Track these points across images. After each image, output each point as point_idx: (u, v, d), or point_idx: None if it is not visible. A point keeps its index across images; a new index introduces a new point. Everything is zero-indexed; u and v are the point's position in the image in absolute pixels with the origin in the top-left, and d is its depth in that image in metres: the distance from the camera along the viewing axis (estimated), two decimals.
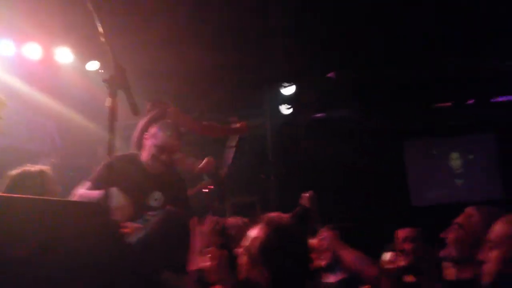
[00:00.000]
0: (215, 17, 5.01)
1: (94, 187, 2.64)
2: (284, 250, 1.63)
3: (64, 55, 5.14)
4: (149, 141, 2.88)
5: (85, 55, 5.21)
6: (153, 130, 2.90)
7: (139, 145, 3.00)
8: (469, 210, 2.03)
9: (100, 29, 1.60)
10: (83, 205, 1.15)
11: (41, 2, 4.27)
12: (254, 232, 1.70)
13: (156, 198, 2.85)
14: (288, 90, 6.22)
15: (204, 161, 3.64)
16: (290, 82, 6.10)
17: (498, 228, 1.65)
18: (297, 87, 6.28)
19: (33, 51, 4.98)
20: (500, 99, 7.36)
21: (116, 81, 1.55)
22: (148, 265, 1.59)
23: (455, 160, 8.28)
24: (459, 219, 2.45)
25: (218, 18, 5.02)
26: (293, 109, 6.65)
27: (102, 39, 1.59)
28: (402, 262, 2.95)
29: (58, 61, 5.18)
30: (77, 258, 1.08)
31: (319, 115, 7.45)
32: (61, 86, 5.49)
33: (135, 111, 1.63)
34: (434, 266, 2.88)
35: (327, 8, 5.21)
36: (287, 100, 6.49)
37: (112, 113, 1.54)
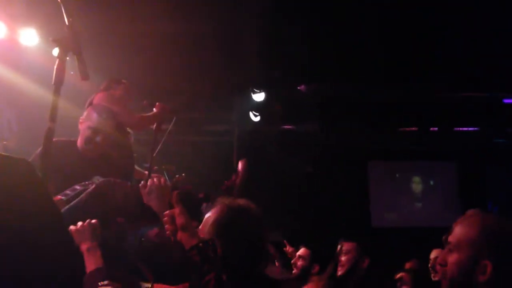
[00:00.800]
0: (190, 17, 4.96)
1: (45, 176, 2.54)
2: (237, 227, 1.63)
3: (30, 36, 4.94)
4: (83, 124, 2.82)
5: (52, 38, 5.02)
6: (87, 112, 2.87)
7: None
8: (471, 213, 1.88)
9: None
10: (7, 159, 1.05)
11: None
12: (210, 213, 1.70)
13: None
14: (259, 96, 6.18)
15: (156, 108, 3.46)
16: (260, 89, 6.07)
17: (457, 230, 1.51)
18: (266, 96, 6.26)
19: None
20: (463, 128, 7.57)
21: (67, 42, 1.46)
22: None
23: (417, 184, 8.42)
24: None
25: (194, 18, 4.97)
26: (262, 118, 6.61)
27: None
28: (339, 272, 3.31)
29: (23, 43, 4.97)
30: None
31: (287, 126, 7.45)
32: (25, 68, 5.28)
33: (84, 76, 1.53)
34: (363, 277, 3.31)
35: (307, 22, 5.25)
36: (257, 107, 6.45)
37: (59, 77, 1.44)
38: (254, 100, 6.25)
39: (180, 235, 1.58)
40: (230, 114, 6.74)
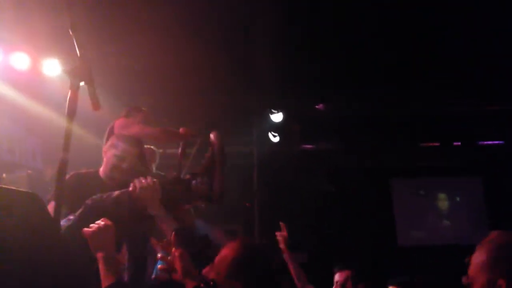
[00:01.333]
0: (206, 40, 5.03)
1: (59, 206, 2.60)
2: (255, 263, 1.66)
3: (52, 66, 5.09)
4: (108, 153, 2.83)
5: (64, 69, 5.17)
6: (112, 141, 2.88)
7: None
8: (491, 235, 1.84)
9: (69, 20, 1.54)
10: (16, 193, 1.07)
11: (31, 12, 4.26)
12: (225, 250, 1.71)
13: None
14: (277, 117, 6.18)
15: (180, 130, 3.49)
16: (278, 109, 6.08)
17: (474, 260, 1.53)
18: (285, 116, 6.26)
19: (21, 60, 4.92)
20: (487, 142, 7.41)
21: (78, 73, 1.49)
22: (72, 256, 1.50)
23: (442, 201, 8.23)
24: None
25: (209, 41, 5.05)
26: (281, 138, 6.60)
27: (70, 30, 1.54)
28: None
29: (46, 73, 5.12)
30: (6, 244, 0.99)
31: (306, 146, 7.41)
32: (49, 97, 5.42)
33: (96, 106, 1.56)
34: None
35: (321, 41, 5.27)
36: (275, 128, 6.45)
37: (71, 107, 1.47)
38: (272, 121, 6.26)
39: (181, 278, 1.61)
40: (249, 136, 6.75)
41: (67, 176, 2.70)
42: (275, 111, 6.08)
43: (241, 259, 1.64)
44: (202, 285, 1.53)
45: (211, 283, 1.53)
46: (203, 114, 6.05)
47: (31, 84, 5.21)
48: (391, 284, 3.02)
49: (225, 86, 5.64)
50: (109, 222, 1.84)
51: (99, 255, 1.78)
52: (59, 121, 5.55)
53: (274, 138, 6.55)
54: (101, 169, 2.85)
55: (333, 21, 4.94)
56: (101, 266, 1.76)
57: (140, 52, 5.07)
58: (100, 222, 1.84)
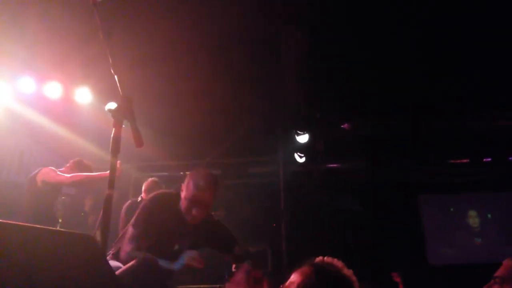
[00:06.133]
0: (234, 63, 5.10)
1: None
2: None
3: (84, 94, 5.24)
4: (182, 193, 2.59)
5: (104, 95, 5.32)
6: (187, 180, 2.59)
7: None
8: (508, 262, 1.78)
9: (110, 60, 1.61)
10: (73, 236, 1.12)
11: (63, 42, 4.41)
12: (295, 274, 1.65)
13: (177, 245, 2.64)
14: (302, 138, 6.20)
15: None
16: (304, 130, 6.10)
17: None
18: (311, 136, 6.26)
19: (53, 89, 5.09)
20: None
21: (121, 111, 1.55)
22: None
23: (473, 218, 8.03)
24: (499, 273, 2.30)
25: (236, 64, 5.12)
26: (307, 158, 6.60)
27: (112, 70, 1.61)
28: None
29: (78, 101, 5.27)
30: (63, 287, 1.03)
31: (332, 165, 7.38)
32: (80, 125, 5.57)
33: (139, 143, 1.61)
34: None
35: (345, 59, 5.29)
36: (301, 148, 6.45)
37: (116, 144, 1.52)
38: (298, 142, 6.27)
39: None
40: (275, 156, 6.77)
41: (156, 196, 2.57)
42: (301, 133, 6.10)
43: (307, 284, 1.58)
44: None
45: None
46: (231, 136, 6.11)
47: (63, 112, 5.37)
48: None
49: (252, 109, 5.69)
50: None
51: None
52: (92, 148, 5.70)
53: (301, 159, 6.55)
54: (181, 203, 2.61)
55: (358, 42, 4.97)
56: None
57: (168, 77, 5.18)
58: None
